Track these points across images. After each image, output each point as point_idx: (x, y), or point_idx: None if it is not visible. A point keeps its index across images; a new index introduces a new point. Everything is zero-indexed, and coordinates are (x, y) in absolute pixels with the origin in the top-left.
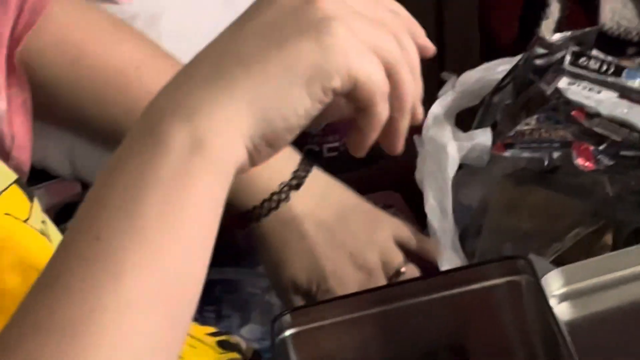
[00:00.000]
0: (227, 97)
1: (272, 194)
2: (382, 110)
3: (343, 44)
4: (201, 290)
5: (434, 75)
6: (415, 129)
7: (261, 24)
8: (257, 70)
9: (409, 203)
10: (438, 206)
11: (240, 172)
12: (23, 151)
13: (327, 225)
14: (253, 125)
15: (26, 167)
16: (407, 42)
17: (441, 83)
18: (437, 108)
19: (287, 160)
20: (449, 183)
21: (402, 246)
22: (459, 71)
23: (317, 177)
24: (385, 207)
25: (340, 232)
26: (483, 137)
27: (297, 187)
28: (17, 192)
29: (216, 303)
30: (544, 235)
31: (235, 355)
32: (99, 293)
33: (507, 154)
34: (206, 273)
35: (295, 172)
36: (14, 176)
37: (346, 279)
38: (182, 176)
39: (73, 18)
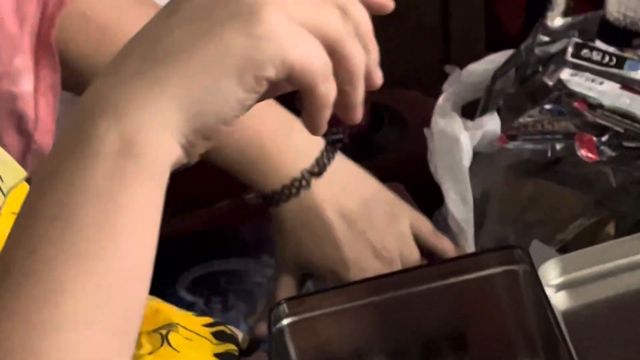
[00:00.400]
0: (154, 94)
1: (293, 180)
2: (325, 91)
3: (275, 31)
4: (147, 295)
5: (440, 67)
6: (425, 122)
7: (190, 12)
8: (185, 64)
9: (412, 194)
10: (459, 198)
11: (177, 166)
12: (47, 134)
13: (348, 214)
14: (183, 121)
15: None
16: (354, 8)
17: (445, 75)
18: (443, 101)
19: (310, 146)
20: (467, 174)
21: (417, 238)
22: (464, 63)
23: (340, 164)
24: None
25: (361, 220)
26: (492, 123)
27: (319, 174)
28: (27, 190)
29: (222, 294)
30: (547, 226)
31: (232, 346)
32: (37, 310)
33: (510, 146)
34: (151, 276)
35: (317, 158)
36: (23, 173)
37: (366, 268)
38: (114, 181)
39: None
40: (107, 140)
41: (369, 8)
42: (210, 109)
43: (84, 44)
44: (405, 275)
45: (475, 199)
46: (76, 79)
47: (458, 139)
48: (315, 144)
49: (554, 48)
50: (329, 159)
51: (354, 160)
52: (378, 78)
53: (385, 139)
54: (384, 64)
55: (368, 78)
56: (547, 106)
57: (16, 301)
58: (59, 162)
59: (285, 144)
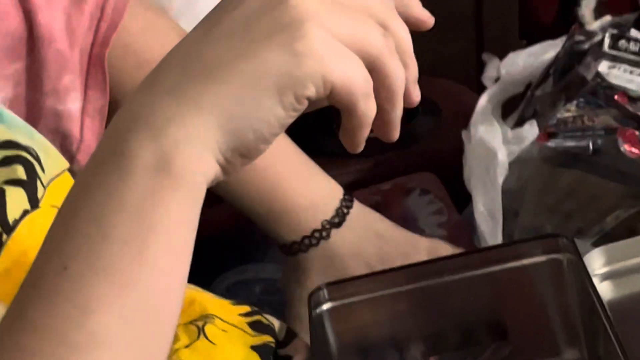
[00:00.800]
0: (193, 111)
1: (314, 231)
2: (366, 109)
3: (316, 49)
4: (179, 313)
5: (474, 55)
6: (459, 111)
7: (230, 25)
8: (224, 82)
9: (445, 183)
10: (487, 213)
11: (214, 184)
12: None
13: (366, 259)
14: (222, 139)
15: None
16: (395, 24)
17: (481, 63)
18: (484, 102)
19: (330, 195)
20: (499, 190)
21: None
22: (498, 51)
23: (357, 212)
24: (423, 192)
25: (378, 265)
26: (531, 135)
27: (339, 225)
28: (68, 182)
29: (257, 305)
30: (584, 217)
31: (268, 338)
32: (66, 328)
33: (551, 144)
34: (183, 296)
35: (337, 209)
36: (66, 164)
37: None
38: (149, 198)
39: (140, 23)
40: (143, 156)
41: (409, 23)
42: (250, 127)
43: (122, 74)
44: (447, 262)
45: (511, 188)
46: (112, 107)
47: (495, 154)
48: (336, 193)
49: (589, 44)
50: (348, 208)
51: (388, 149)
52: (416, 96)
53: (420, 128)
54: (417, 52)
55: (406, 95)
56: (584, 99)
57: (45, 317)
58: (93, 177)
59: (307, 195)
